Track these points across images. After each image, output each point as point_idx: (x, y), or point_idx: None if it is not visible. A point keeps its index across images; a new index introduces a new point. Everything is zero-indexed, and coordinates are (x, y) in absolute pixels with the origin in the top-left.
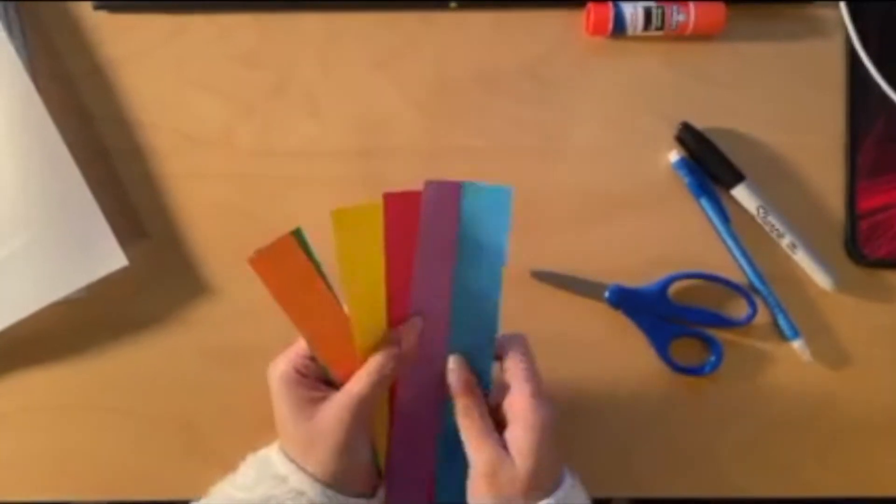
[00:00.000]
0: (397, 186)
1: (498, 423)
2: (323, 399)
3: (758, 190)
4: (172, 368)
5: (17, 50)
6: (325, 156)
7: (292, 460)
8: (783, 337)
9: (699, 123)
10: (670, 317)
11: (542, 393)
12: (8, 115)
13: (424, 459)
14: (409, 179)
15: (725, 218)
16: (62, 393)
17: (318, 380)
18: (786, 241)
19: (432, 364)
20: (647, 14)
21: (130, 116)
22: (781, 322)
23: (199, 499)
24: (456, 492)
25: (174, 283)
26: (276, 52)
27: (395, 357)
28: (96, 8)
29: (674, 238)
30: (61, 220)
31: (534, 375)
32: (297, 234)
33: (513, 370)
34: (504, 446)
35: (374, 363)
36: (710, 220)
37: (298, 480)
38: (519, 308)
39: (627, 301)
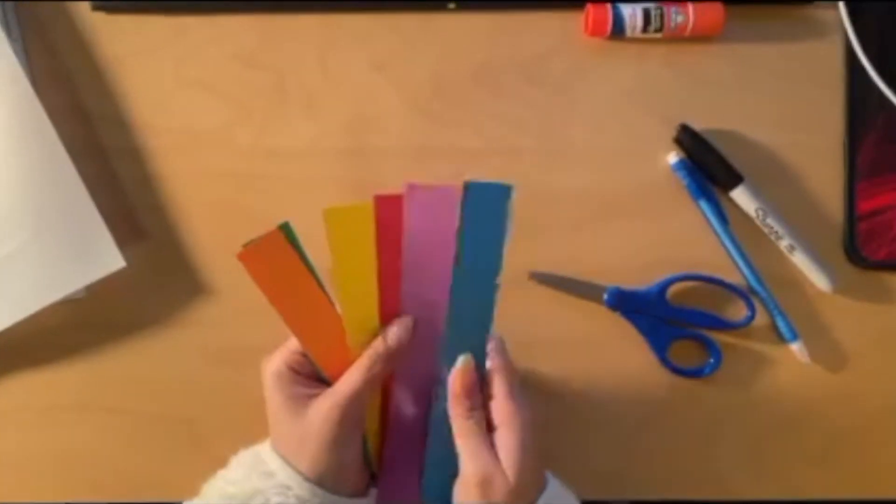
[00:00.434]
0: (396, 187)
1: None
2: (314, 396)
3: (757, 191)
4: (171, 369)
5: (16, 51)
6: (324, 156)
7: (282, 456)
8: (782, 339)
9: (698, 125)
10: (669, 319)
11: (520, 394)
12: (6, 115)
13: (417, 460)
14: (408, 180)
15: (724, 220)
16: (61, 393)
17: (311, 377)
18: (784, 243)
19: (425, 365)
20: (646, 15)
21: (129, 117)
22: (780, 324)
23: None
24: (441, 495)
25: (173, 283)
26: (274, 53)
27: (385, 355)
28: (94, 9)
29: (672, 240)
30: (59, 220)
31: (513, 377)
32: (285, 229)
33: (494, 373)
34: (496, 454)
35: (364, 361)
36: (708, 221)
37: (286, 476)
38: (517, 310)
39: (626, 303)
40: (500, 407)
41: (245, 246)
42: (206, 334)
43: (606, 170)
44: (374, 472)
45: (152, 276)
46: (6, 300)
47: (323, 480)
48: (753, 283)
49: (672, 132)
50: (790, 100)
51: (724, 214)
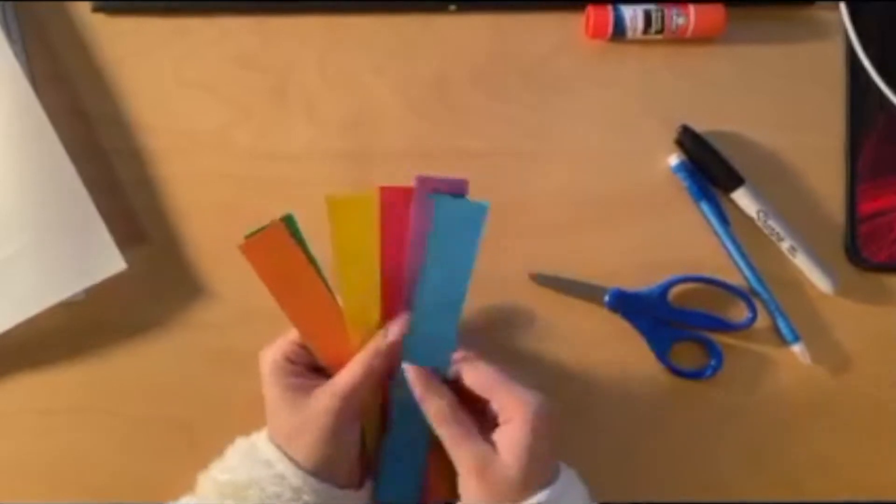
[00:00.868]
0: None
1: (491, 417)
2: (312, 388)
3: (758, 193)
4: (171, 371)
5: (16, 52)
6: (324, 158)
7: (278, 446)
8: (783, 341)
9: (699, 126)
10: (670, 320)
11: (530, 390)
12: (6, 117)
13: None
14: (408, 183)
15: (725, 221)
16: (61, 396)
17: (310, 368)
18: (786, 245)
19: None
20: (647, 17)
21: (129, 118)
22: (781, 326)
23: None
24: (400, 490)
25: (173, 285)
26: (275, 55)
27: (385, 351)
28: (94, 10)
29: (674, 241)
30: (59, 222)
31: (511, 378)
32: (288, 221)
33: (488, 379)
34: (487, 441)
35: (364, 355)
36: (709, 223)
37: (283, 466)
38: (518, 311)
39: (627, 305)
40: (508, 401)
41: (247, 237)
42: (206, 337)
43: (607, 171)
44: (371, 466)
45: (152, 279)
46: (6, 302)
47: (318, 471)
48: (755, 285)
49: (673, 134)
50: (791, 101)
51: (726, 216)
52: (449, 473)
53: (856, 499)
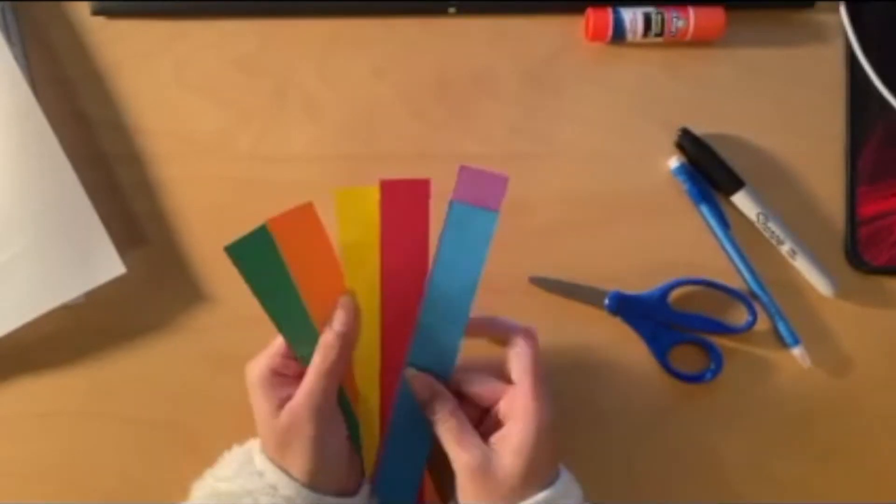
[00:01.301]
0: None
1: (491, 423)
2: None
3: (758, 196)
4: (170, 375)
5: (15, 55)
6: (324, 161)
7: (270, 457)
8: (783, 344)
9: (699, 129)
10: (670, 323)
11: (544, 391)
12: (6, 120)
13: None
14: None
15: (725, 224)
16: (61, 399)
17: (297, 378)
18: (786, 248)
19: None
20: (647, 20)
21: (129, 122)
22: (781, 329)
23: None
24: (400, 492)
25: (172, 289)
26: (275, 58)
27: (336, 343)
28: (94, 12)
29: (673, 244)
30: (59, 226)
31: (537, 373)
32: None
33: (517, 365)
34: (487, 443)
35: (317, 357)
36: (709, 226)
37: (275, 477)
38: (517, 314)
39: (627, 308)
40: (517, 401)
41: (228, 247)
42: (205, 340)
43: (607, 174)
44: (366, 470)
45: (152, 282)
46: (6, 305)
47: (310, 480)
48: (755, 288)
49: (673, 137)
50: (791, 104)
51: (726, 219)
52: (447, 475)
53: (857, 501)
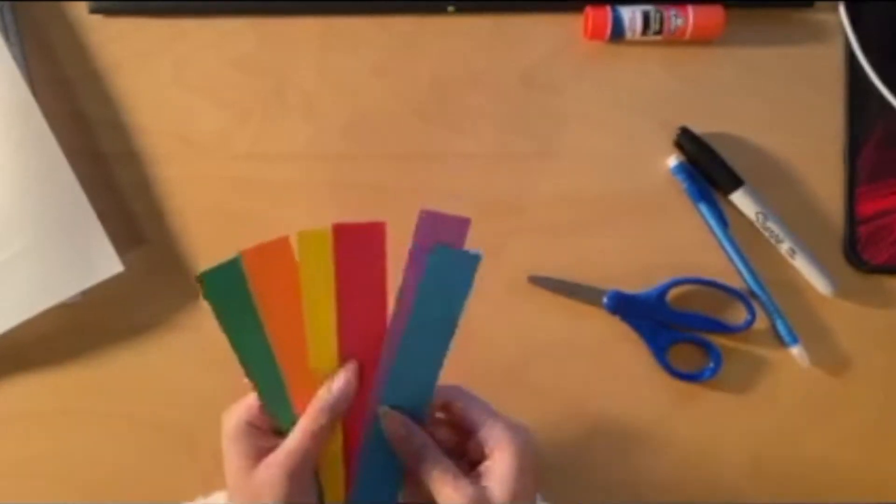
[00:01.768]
0: (394, 191)
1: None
2: (270, 452)
3: (757, 195)
4: (170, 373)
5: (14, 54)
6: (322, 160)
7: None
8: (782, 343)
9: (698, 128)
10: (669, 322)
11: (516, 423)
12: (4, 119)
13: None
14: (407, 185)
15: (724, 223)
16: (57, 398)
17: (272, 432)
18: (785, 247)
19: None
20: (646, 18)
21: (127, 121)
22: (780, 328)
23: None
24: None
25: (170, 288)
26: (273, 57)
27: (329, 406)
28: (91, 11)
29: (672, 243)
30: (57, 225)
31: (496, 411)
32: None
33: (473, 411)
34: (475, 480)
35: (307, 416)
36: (708, 225)
37: None
38: (517, 314)
39: (626, 307)
40: (493, 433)
41: (252, 247)
42: (203, 339)
43: (606, 173)
44: None
45: (150, 281)
46: (4, 304)
47: None
48: (753, 287)
49: (672, 135)
50: (790, 103)
51: (725, 218)
52: None
53: (855, 500)
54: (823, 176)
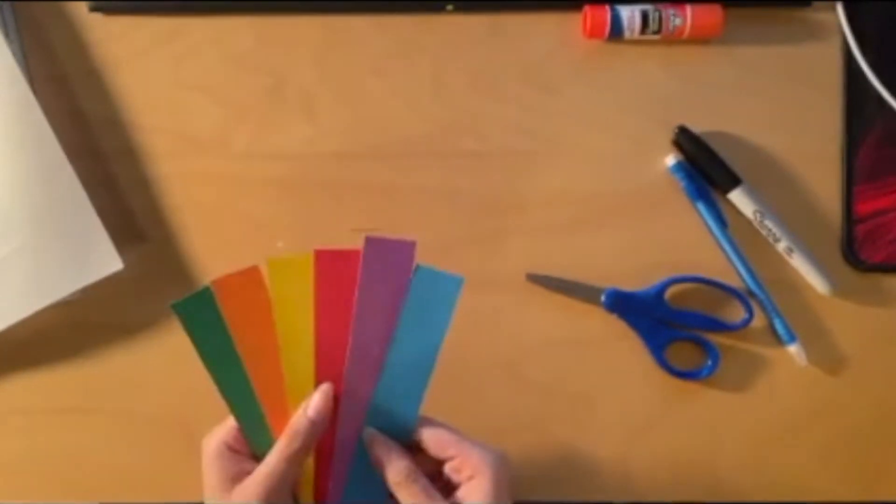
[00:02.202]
0: (394, 190)
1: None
2: (248, 475)
3: (754, 194)
4: (167, 371)
5: (13, 52)
6: (322, 159)
7: None
8: (780, 341)
9: (696, 127)
10: (667, 321)
11: (487, 445)
12: (4, 117)
13: None
14: (406, 183)
15: (722, 222)
16: (58, 395)
17: (251, 455)
18: (783, 245)
19: (354, 430)
20: (644, 17)
21: (126, 118)
22: (778, 326)
23: None
24: None
25: (169, 285)
26: (272, 55)
27: (305, 430)
28: (91, 9)
29: (670, 242)
30: (57, 222)
31: (466, 437)
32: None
33: (448, 438)
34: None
35: (283, 440)
36: (706, 223)
37: None
38: (515, 312)
39: (624, 305)
40: (468, 459)
41: (223, 276)
42: None
43: (604, 172)
44: None
45: (149, 278)
46: (3, 301)
47: None
48: (751, 285)
49: (670, 134)
50: (788, 102)
51: (723, 216)
52: None
53: (854, 499)
54: (821, 175)
